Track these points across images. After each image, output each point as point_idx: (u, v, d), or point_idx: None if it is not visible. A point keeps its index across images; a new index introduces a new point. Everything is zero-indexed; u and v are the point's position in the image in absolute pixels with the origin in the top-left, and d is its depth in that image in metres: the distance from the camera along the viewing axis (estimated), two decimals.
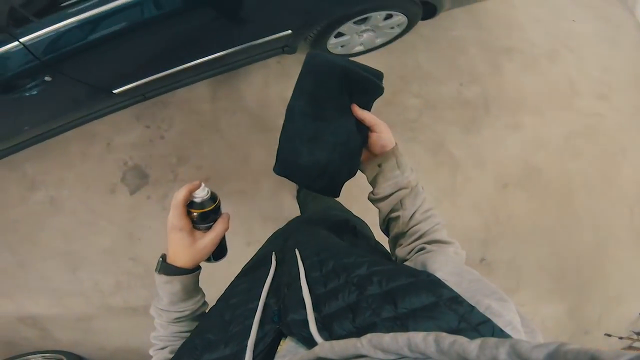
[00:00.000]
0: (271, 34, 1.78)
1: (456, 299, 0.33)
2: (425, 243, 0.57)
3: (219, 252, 0.59)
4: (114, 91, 1.65)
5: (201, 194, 0.53)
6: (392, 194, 0.63)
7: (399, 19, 1.94)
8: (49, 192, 2.07)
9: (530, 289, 2.45)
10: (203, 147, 2.07)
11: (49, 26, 1.21)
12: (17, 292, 2.03)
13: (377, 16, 1.87)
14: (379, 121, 0.64)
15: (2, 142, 1.71)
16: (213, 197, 0.55)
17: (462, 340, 0.26)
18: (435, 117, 2.25)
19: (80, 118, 1.79)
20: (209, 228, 0.55)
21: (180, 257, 0.54)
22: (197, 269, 0.57)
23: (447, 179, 2.23)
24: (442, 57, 2.27)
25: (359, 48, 2.14)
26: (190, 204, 0.53)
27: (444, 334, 0.27)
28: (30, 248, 2.04)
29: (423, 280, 0.36)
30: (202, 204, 0.53)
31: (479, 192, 2.29)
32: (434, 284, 0.35)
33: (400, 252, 0.60)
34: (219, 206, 0.56)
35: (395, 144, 0.66)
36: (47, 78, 1.33)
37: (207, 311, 0.58)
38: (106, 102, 1.74)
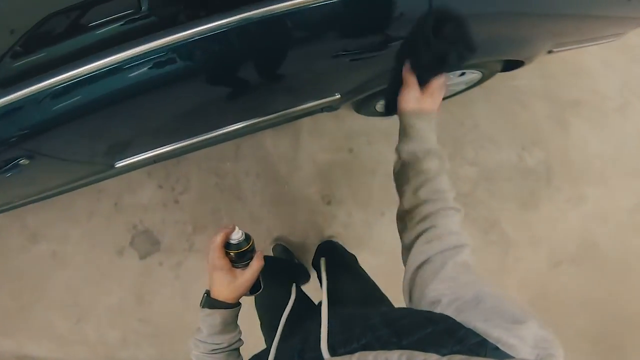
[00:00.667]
0: (315, 100, 1.39)
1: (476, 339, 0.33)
2: (426, 228, 0.54)
3: (255, 286, 0.64)
4: (115, 165, 1.33)
5: (236, 237, 0.57)
6: (397, 159, 0.64)
7: (473, 77, 1.53)
8: (51, 246, 1.86)
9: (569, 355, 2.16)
10: (222, 216, 1.77)
11: (12, 93, 0.86)
12: (18, 333, 1.90)
13: (449, 74, 1.48)
14: (413, 82, 0.63)
15: None
16: (247, 238, 0.59)
17: (432, 358, 0.29)
18: (491, 191, 1.91)
19: (81, 185, 1.50)
20: (246, 266, 0.59)
21: (222, 292, 0.58)
22: (237, 304, 0.61)
23: (496, 259, 1.95)
24: (503, 112, 1.88)
25: None
26: (227, 246, 0.58)
27: (417, 352, 0.31)
28: (34, 296, 1.88)
29: (440, 330, 0.36)
30: (238, 245, 0.57)
31: (530, 271, 2.03)
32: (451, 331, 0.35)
33: (405, 238, 0.58)
34: (254, 246, 0.60)
35: (416, 110, 0.63)
36: (22, 161, 1.01)
37: None
38: (107, 173, 1.42)
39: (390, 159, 0.64)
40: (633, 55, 2.15)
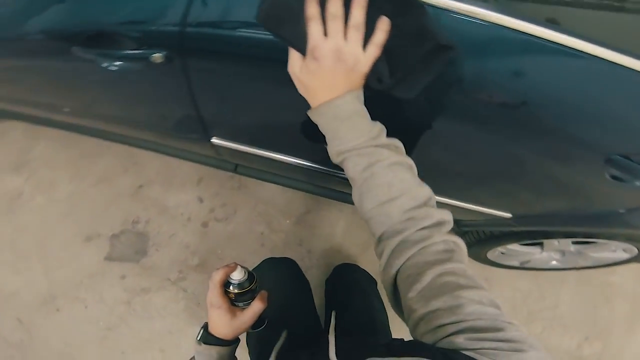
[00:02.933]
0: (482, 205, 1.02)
1: None
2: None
3: (258, 322, 0.60)
4: (211, 139, 1.08)
5: (238, 276, 0.54)
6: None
7: (621, 256, 1.26)
8: (25, 185, 1.44)
9: None
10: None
11: None
12: None
13: (612, 247, 1.21)
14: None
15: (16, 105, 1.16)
16: (250, 278, 0.56)
17: None
18: None
19: (144, 141, 1.23)
20: (247, 305, 0.56)
21: (220, 330, 0.56)
22: (235, 341, 0.58)
23: None
24: (586, 302, 1.75)
25: (518, 261, 1.51)
26: (227, 284, 0.55)
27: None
28: None
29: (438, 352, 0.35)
30: (239, 285, 0.55)
31: None
32: None
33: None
34: (257, 286, 0.57)
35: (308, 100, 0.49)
36: (155, 56, 0.71)
37: None
38: (193, 143, 1.16)
39: None
40: None
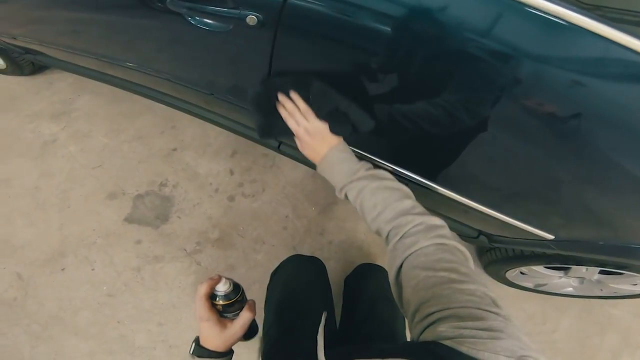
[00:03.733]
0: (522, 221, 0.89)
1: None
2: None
3: (249, 332, 0.60)
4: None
5: (223, 288, 0.54)
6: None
7: (638, 288, 1.18)
8: (60, 134, 1.42)
9: None
10: (259, 250, 1.30)
11: None
12: None
13: (629, 278, 1.12)
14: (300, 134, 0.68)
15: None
16: (236, 289, 0.56)
17: None
18: None
19: (190, 104, 1.18)
20: (236, 315, 0.56)
21: (211, 342, 0.55)
22: (229, 352, 0.58)
23: None
24: (581, 330, 1.62)
25: (533, 283, 1.43)
26: (213, 297, 0.55)
27: None
28: None
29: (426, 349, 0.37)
30: (225, 297, 0.54)
31: None
32: None
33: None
34: (243, 296, 0.57)
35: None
36: (250, 17, 0.68)
37: None
38: (242, 115, 1.08)
39: None
40: None
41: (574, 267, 1.13)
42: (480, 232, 1.10)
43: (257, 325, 0.63)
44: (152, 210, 1.32)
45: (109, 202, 1.33)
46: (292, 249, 1.34)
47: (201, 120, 1.22)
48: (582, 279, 1.33)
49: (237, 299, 0.55)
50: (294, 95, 0.67)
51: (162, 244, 1.28)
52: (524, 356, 0.33)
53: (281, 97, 0.68)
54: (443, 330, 0.37)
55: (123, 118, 1.47)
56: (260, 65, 0.76)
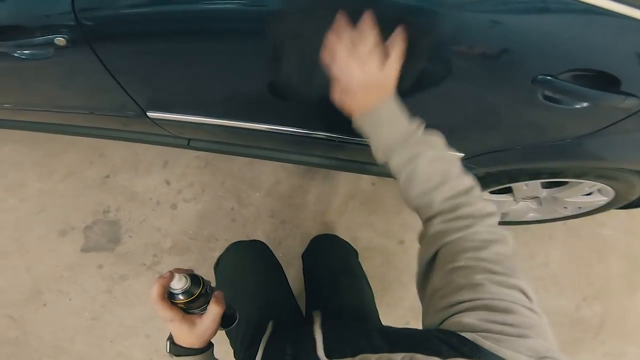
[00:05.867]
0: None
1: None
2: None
3: (226, 321, 0.57)
4: (148, 113, 1.06)
5: (179, 285, 0.48)
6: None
7: (600, 199, 1.19)
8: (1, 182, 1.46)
9: None
10: (215, 247, 1.41)
11: None
12: None
13: (586, 187, 1.13)
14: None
15: None
16: (197, 282, 0.50)
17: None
18: None
19: (91, 129, 1.23)
20: (204, 310, 0.51)
21: (185, 340, 0.52)
22: (208, 346, 0.54)
23: None
24: (578, 259, 1.69)
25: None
26: (172, 295, 0.49)
27: (419, 355, 0.32)
28: None
29: (433, 337, 0.37)
30: (185, 293, 0.49)
31: None
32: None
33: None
34: (207, 287, 0.51)
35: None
36: (57, 40, 0.72)
37: None
38: (131, 123, 1.14)
39: None
40: None
41: (514, 186, 1.17)
42: None
43: (234, 310, 0.59)
44: (104, 236, 1.41)
45: (61, 239, 1.42)
46: (246, 237, 1.44)
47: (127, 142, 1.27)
48: (537, 200, 1.36)
49: (199, 292, 0.50)
50: (361, 27, 0.52)
51: (122, 263, 1.39)
52: (546, 357, 0.32)
53: (333, 34, 0.53)
54: (470, 321, 0.36)
55: (50, 159, 1.50)
56: (104, 77, 0.82)
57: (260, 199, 1.51)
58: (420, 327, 0.46)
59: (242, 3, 0.64)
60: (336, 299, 0.81)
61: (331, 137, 0.98)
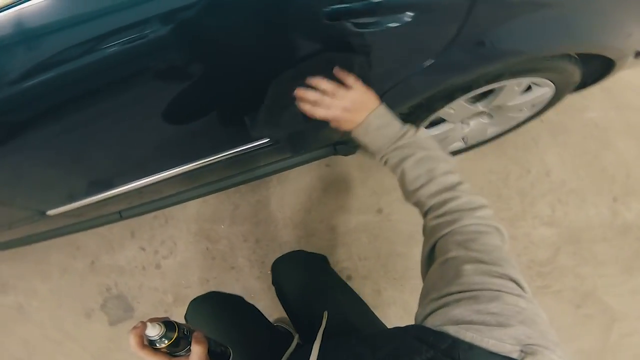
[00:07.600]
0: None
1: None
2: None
3: (218, 357, 0.57)
4: (47, 212, 1.06)
5: (154, 332, 0.49)
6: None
7: (543, 92, 1.11)
8: (18, 299, 1.67)
9: None
10: (210, 287, 1.56)
11: None
12: None
13: (514, 87, 1.04)
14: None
15: None
16: (171, 327, 0.51)
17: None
18: (580, 255, 1.45)
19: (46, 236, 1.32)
20: (188, 351, 0.52)
21: None
22: None
23: (595, 337, 1.46)
24: (580, 155, 1.44)
25: (457, 144, 1.34)
26: (152, 343, 0.50)
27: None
28: None
29: (410, 337, 0.38)
30: (163, 339, 0.50)
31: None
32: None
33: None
34: (183, 329, 0.52)
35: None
36: None
37: None
38: (42, 224, 1.17)
39: None
40: None
41: (440, 113, 1.10)
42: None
43: (226, 348, 0.60)
44: (119, 309, 1.61)
45: (90, 320, 1.64)
46: (231, 268, 1.57)
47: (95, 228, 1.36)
48: (486, 115, 1.25)
49: (177, 336, 0.52)
50: (311, 81, 0.64)
51: None
52: (529, 344, 0.32)
53: (299, 93, 0.65)
54: (455, 313, 0.37)
55: (41, 265, 1.65)
56: None
57: (227, 229, 1.57)
58: None
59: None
60: (314, 323, 0.79)
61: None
